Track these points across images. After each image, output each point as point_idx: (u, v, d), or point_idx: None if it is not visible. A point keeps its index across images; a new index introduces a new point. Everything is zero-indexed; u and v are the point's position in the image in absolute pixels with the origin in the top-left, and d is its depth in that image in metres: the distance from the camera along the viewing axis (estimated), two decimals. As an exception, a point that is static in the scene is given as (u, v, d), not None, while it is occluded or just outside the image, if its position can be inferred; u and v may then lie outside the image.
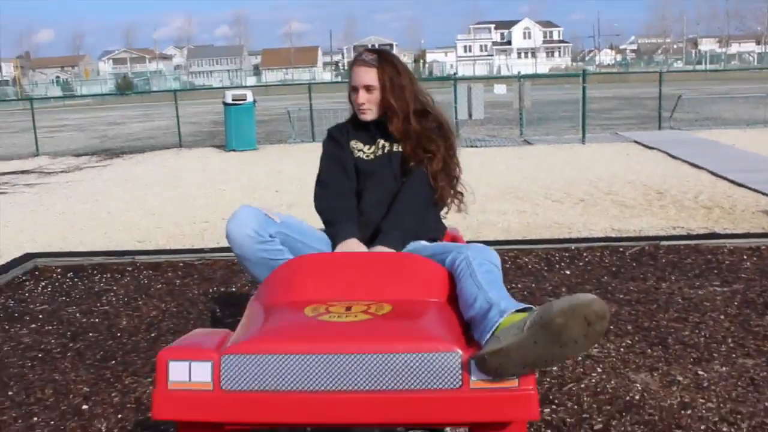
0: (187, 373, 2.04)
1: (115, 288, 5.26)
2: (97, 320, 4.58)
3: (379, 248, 2.61)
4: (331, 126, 3.18)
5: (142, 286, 5.29)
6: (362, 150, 2.94)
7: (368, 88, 2.89)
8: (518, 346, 1.92)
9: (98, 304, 4.90)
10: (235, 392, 2.01)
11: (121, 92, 53.66)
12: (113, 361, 3.88)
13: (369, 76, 2.88)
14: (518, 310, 2.09)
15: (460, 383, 1.98)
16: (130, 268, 5.73)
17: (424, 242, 2.80)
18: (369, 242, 2.72)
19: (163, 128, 23.34)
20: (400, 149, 2.90)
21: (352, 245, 2.63)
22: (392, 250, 2.62)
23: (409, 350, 1.99)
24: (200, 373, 2.03)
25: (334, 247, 2.68)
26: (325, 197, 2.89)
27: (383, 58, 2.92)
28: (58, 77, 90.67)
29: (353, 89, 2.93)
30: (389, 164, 2.90)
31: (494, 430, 2.05)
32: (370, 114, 2.92)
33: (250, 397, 2.01)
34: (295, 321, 2.21)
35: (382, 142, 2.94)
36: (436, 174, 2.88)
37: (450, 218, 3.22)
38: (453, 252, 2.40)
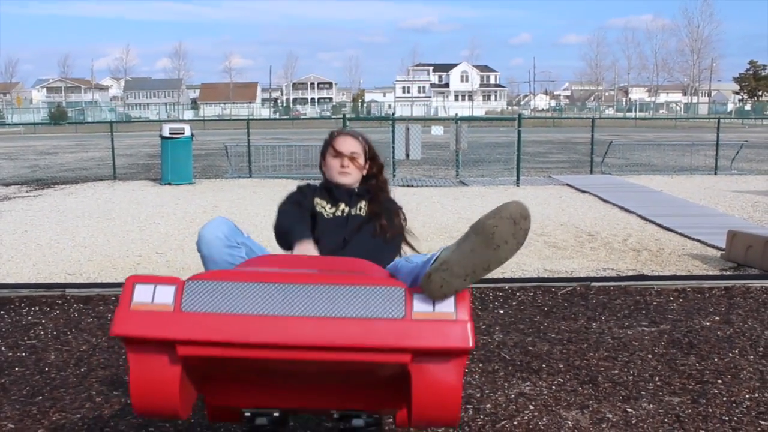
0: (151, 295, 2.15)
1: (43, 321, 5.13)
2: (24, 354, 4.45)
3: None
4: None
5: (72, 319, 5.17)
6: (324, 208, 3.15)
7: (353, 155, 3.22)
8: (458, 258, 2.15)
9: (25, 338, 4.76)
10: (193, 313, 2.11)
11: (54, 122, 52.55)
12: (40, 397, 3.78)
13: (354, 145, 3.24)
14: None
15: (404, 313, 2.14)
16: (59, 301, 5.60)
17: None
18: None
19: (97, 159, 22.95)
20: (359, 213, 3.15)
21: (309, 248, 2.88)
22: None
23: (359, 283, 2.19)
24: (163, 295, 2.15)
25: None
26: (280, 223, 3.08)
27: (361, 134, 3.36)
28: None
29: (336, 155, 3.21)
30: (346, 224, 3.11)
31: (434, 363, 2.15)
32: (350, 178, 3.21)
33: (207, 318, 2.10)
34: (256, 264, 2.45)
35: (342, 206, 3.16)
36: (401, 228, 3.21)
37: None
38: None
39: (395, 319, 2.12)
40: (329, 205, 3.18)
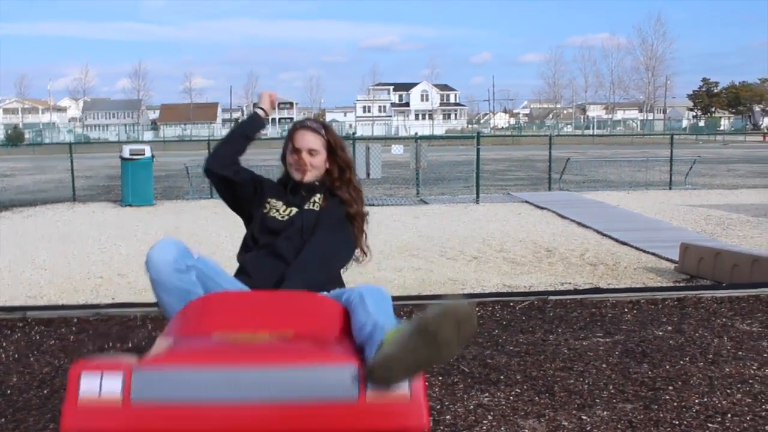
0: (98, 386, 2.09)
1: (4, 344, 5.10)
2: (-15, 377, 4.43)
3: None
4: None
5: (34, 342, 5.15)
6: (278, 210, 3.09)
7: (311, 152, 3.13)
8: (400, 354, 2.12)
9: (-14, 361, 4.74)
10: (141, 406, 2.07)
11: (11, 143, 51.82)
12: (2, 419, 3.77)
13: (313, 140, 3.13)
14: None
15: (357, 395, 2.12)
16: (20, 324, 5.56)
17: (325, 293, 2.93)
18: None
19: (56, 181, 22.70)
20: (312, 208, 3.09)
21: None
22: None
23: (309, 363, 2.16)
24: (110, 386, 2.09)
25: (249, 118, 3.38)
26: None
27: (326, 126, 3.23)
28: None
29: (294, 151, 3.13)
30: (300, 219, 3.05)
31: None
32: (308, 175, 3.12)
33: (155, 410, 2.07)
34: (203, 341, 2.36)
35: (295, 209, 3.09)
36: (361, 224, 3.22)
37: (346, 275, 3.33)
38: (347, 292, 2.64)
39: (349, 404, 2.11)
40: (283, 207, 3.12)
